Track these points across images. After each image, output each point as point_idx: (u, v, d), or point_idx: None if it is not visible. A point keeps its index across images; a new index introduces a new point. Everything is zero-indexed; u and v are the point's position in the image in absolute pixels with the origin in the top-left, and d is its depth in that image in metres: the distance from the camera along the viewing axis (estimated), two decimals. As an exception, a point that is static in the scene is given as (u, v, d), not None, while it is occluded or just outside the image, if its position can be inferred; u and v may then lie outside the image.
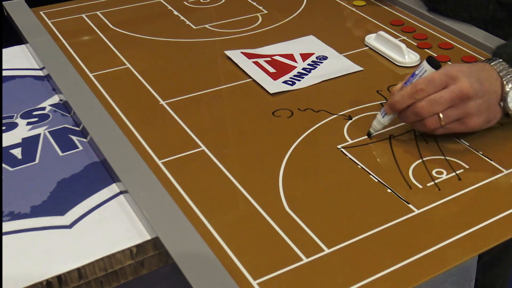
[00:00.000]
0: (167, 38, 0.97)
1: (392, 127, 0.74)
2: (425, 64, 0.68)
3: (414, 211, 0.62)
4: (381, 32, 0.93)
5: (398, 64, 0.88)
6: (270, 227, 0.60)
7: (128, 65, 0.89)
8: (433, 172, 0.67)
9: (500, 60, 0.70)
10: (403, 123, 0.74)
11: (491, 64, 0.70)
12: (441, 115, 0.66)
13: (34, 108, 0.80)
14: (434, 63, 0.67)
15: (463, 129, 0.68)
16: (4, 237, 0.60)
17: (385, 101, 0.80)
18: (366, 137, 0.73)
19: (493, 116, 0.69)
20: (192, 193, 0.64)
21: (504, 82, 0.68)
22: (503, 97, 0.68)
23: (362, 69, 0.87)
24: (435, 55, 0.90)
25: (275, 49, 0.93)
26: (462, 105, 0.66)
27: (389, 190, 0.65)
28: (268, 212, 0.62)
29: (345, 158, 0.70)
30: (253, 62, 0.89)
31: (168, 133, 0.74)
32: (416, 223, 0.60)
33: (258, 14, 1.05)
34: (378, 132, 0.72)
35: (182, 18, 1.04)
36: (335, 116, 0.77)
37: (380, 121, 0.71)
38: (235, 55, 0.91)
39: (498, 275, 1.10)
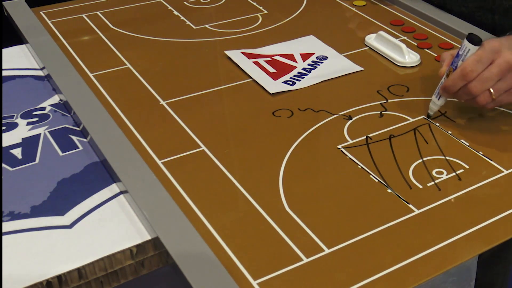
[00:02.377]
0: (167, 38, 0.97)
1: (392, 127, 0.74)
2: (466, 43, 0.69)
3: (414, 211, 0.62)
4: (381, 32, 0.93)
5: (398, 64, 0.88)
6: (270, 227, 0.60)
7: (128, 65, 0.89)
8: (433, 172, 0.67)
9: None
10: (403, 124, 0.75)
11: None
12: (491, 90, 0.69)
13: (34, 108, 0.80)
14: (475, 40, 0.69)
15: (511, 99, 0.71)
16: (4, 237, 0.60)
17: (385, 101, 0.80)
18: (365, 137, 0.73)
19: None
20: (192, 193, 0.64)
21: None
22: None
23: (362, 69, 0.87)
24: (435, 55, 0.90)
25: (275, 49, 0.93)
26: (510, 76, 0.69)
27: (389, 190, 0.65)
28: (268, 212, 0.62)
29: (345, 158, 0.70)
30: (253, 62, 0.89)
31: (168, 133, 0.74)
32: (416, 223, 0.60)
33: (258, 14, 1.05)
34: (435, 112, 0.76)
35: (182, 18, 1.04)
36: (335, 116, 0.77)
37: (436, 103, 0.75)
38: (235, 55, 0.91)
39: (497, 274, 1.10)
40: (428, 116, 0.76)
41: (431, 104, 0.76)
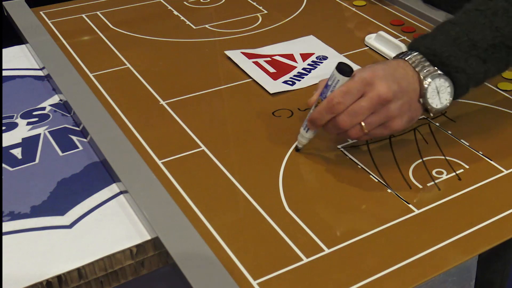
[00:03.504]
0: (167, 38, 0.97)
1: (392, 127, 0.74)
2: (335, 73, 0.64)
3: (414, 211, 0.62)
4: (381, 32, 0.93)
5: (398, 64, 0.88)
6: (270, 227, 0.60)
7: (128, 65, 0.89)
8: (433, 172, 0.67)
9: (415, 53, 0.66)
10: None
11: (406, 59, 0.66)
12: (363, 124, 0.64)
13: (34, 108, 0.80)
14: (345, 70, 0.63)
15: (387, 132, 0.66)
16: (4, 237, 0.60)
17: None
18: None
19: (415, 114, 0.66)
20: (192, 193, 0.64)
21: (422, 77, 0.65)
22: (422, 93, 0.65)
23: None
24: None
25: (275, 49, 0.93)
26: (383, 110, 0.63)
27: (389, 190, 0.65)
28: (268, 212, 0.62)
29: (345, 158, 0.70)
30: (253, 62, 0.89)
31: (168, 133, 0.74)
32: (416, 223, 0.60)
33: (258, 14, 1.05)
34: (305, 145, 0.70)
35: (182, 18, 1.04)
36: (335, 116, 0.77)
37: (305, 136, 0.69)
38: (235, 55, 0.91)
39: (496, 272, 1.10)
40: (297, 149, 0.70)
41: (299, 137, 0.69)
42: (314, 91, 0.68)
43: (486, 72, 0.67)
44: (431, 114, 0.67)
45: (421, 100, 0.66)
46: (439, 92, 0.66)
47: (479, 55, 0.66)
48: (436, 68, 0.65)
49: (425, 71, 0.65)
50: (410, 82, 0.65)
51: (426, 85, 0.65)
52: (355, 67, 0.87)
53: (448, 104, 0.67)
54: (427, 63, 0.66)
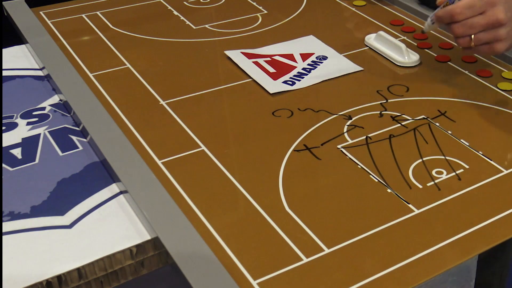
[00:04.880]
0: (167, 38, 0.97)
1: (392, 127, 0.74)
2: None
3: (414, 211, 0.62)
4: (381, 32, 0.93)
5: (398, 64, 0.88)
6: (270, 227, 0.60)
7: (128, 65, 0.89)
8: (433, 172, 0.67)
9: None
10: (405, 122, 0.75)
11: None
12: (472, 37, 0.72)
13: (34, 108, 0.80)
14: None
15: (489, 52, 0.74)
16: (4, 237, 0.60)
17: (385, 101, 0.80)
18: (365, 137, 0.73)
19: None
20: (192, 193, 0.64)
21: None
22: None
23: (362, 69, 0.87)
24: (435, 55, 0.90)
25: (275, 49, 0.93)
26: (493, 31, 0.71)
27: (389, 190, 0.65)
28: (268, 212, 0.62)
29: (345, 158, 0.70)
30: (253, 62, 0.89)
31: (168, 133, 0.74)
32: (416, 223, 0.60)
33: (258, 14, 1.05)
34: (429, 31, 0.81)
35: (182, 18, 1.04)
36: (335, 116, 0.77)
37: (431, 26, 0.80)
38: (235, 55, 0.91)
39: (495, 273, 1.10)
40: (423, 32, 0.82)
41: (426, 25, 0.81)
42: None
43: None
44: None
45: None
46: None
47: None
48: None
49: None
50: None
51: None
52: (355, 66, 0.88)
53: None
54: None
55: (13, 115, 0.79)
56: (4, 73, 0.89)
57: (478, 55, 0.76)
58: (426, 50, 0.92)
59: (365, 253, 0.57)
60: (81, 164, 0.70)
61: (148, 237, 0.59)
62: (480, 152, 0.70)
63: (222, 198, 0.64)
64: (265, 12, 1.06)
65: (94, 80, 0.85)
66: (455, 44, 0.78)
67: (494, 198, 0.64)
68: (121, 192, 0.65)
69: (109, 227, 0.61)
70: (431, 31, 0.96)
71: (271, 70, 0.87)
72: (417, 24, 1.00)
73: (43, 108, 0.80)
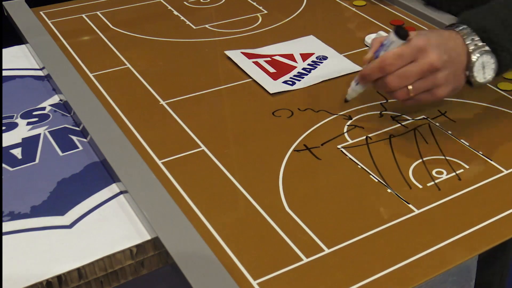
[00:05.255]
0: (167, 38, 0.97)
1: (392, 127, 0.74)
2: (392, 36, 0.67)
3: (414, 211, 0.62)
4: (381, 32, 0.93)
5: (398, 64, 0.88)
6: (270, 227, 0.60)
7: (128, 65, 0.89)
8: (433, 172, 0.67)
9: (466, 27, 0.70)
10: (405, 122, 0.75)
11: (457, 30, 0.70)
12: (410, 87, 0.67)
13: (34, 108, 0.80)
14: (402, 34, 0.66)
15: (431, 99, 0.69)
16: (4, 237, 0.60)
17: (385, 101, 0.80)
18: (365, 137, 0.73)
19: (459, 84, 0.70)
20: (192, 193, 0.64)
21: (470, 50, 0.69)
22: (469, 66, 0.69)
23: (362, 69, 0.87)
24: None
25: (275, 49, 0.93)
26: (431, 77, 0.67)
27: (389, 190, 0.65)
28: (268, 212, 0.62)
29: (345, 158, 0.70)
30: (253, 62, 0.89)
31: (168, 133, 0.74)
32: (416, 223, 0.60)
33: (258, 14, 1.05)
34: (353, 98, 0.75)
35: (182, 18, 1.04)
36: (335, 116, 0.77)
37: (355, 89, 0.74)
38: (235, 55, 0.91)
39: (495, 273, 1.10)
40: (346, 101, 0.76)
41: (350, 90, 0.75)
42: (369, 50, 0.72)
43: None
44: (471, 86, 0.71)
45: (467, 72, 0.70)
46: (484, 67, 0.70)
47: None
48: (484, 43, 0.69)
49: (474, 45, 0.69)
50: (459, 54, 0.69)
51: (474, 59, 0.69)
52: (355, 66, 0.88)
53: (490, 80, 0.71)
54: (477, 38, 0.69)
55: (13, 115, 0.79)
56: (4, 73, 0.89)
57: (419, 104, 0.71)
58: (426, 50, 0.92)
59: (365, 253, 0.57)
60: (81, 164, 0.70)
61: (148, 237, 0.59)
62: (480, 152, 0.70)
63: (222, 198, 0.64)
64: (265, 12, 1.06)
65: (94, 80, 0.85)
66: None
67: (494, 198, 0.64)
68: (121, 192, 0.65)
69: (109, 227, 0.61)
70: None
71: (271, 70, 0.87)
72: (417, 24, 0.99)
73: (43, 108, 0.80)
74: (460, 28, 0.70)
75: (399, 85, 0.67)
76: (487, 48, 0.69)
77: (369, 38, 0.94)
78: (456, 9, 0.97)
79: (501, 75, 0.73)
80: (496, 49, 0.70)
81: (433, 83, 0.68)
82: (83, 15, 1.04)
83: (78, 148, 0.72)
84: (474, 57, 0.69)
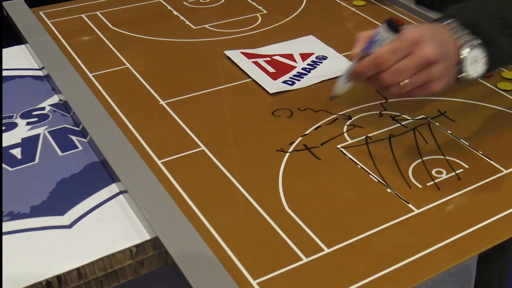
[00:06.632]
0: (167, 38, 0.97)
1: (392, 127, 0.74)
2: (384, 30, 0.64)
3: (414, 211, 0.62)
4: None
5: (398, 64, 0.88)
6: (270, 227, 0.60)
7: (128, 65, 0.89)
8: (433, 172, 0.67)
9: (453, 19, 0.67)
10: (405, 122, 0.75)
11: (444, 24, 0.67)
12: (405, 82, 0.64)
13: (34, 108, 0.80)
14: (394, 28, 0.64)
15: (425, 93, 0.66)
16: (4, 237, 0.60)
17: (385, 101, 0.80)
18: (365, 137, 0.73)
19: (452, 79, 0.67)
20: (192, 193, 0.64)
21: (459, 45, 0.66)
22: (459, 60, 0.66)
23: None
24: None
25: (275, 49, 0.93)
26: (426, 71, 0.64)
27: (389, 190, 0.65)
28: (268, 212, 0.62)
29: (345, 158, 0.70)
30: (253, 62, 0.89)
31: (168, 133, 0.74)
32: (415, 223, 0.60)
33: (258, 14, 1.05)
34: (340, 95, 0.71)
35: (182, 18, 1.04)
36: (335, 116, 0.77)
37: (345, 85, 0.69)
38: (235, 55, 0.91)
39: (494, 273, 1.10)
40: (332, 98, 0.71)
41: (338, 87, 0.70)
42: (355, 43, 0.68)
43: None
44: (460, 82, 0.67)
45: (458, 67, 0.66)
46: (475, 62, 0.66)
47: (511, 35, 0.67)
48: (473, 37, 0.66)
49: (462, 39, 0.66)
50: (450, 48, 0.65)
51: (465, 54, 0.65)
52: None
53: (480, 75, 0.67)
54: (465, 32, 0.66)
55: (13, 115, 0.79)
56: (4, 73, 0.89)
57: (413, 97, 0.68)
58: (426, 50, 0.92)
59: (365, 253, 0.57)
60: (81, 164, 0.70)
61: (148, 237, 0.59)
62: (480, 152, 0.70)
63: (222, 198, 0.64)
64: (265, 12, 1.06)
65: (94, 80, 0.85)
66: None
67: (494, 198, 0.64)
68: (121, 192, 0.65)
69: (109, 227, 0.61)
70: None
71: (271, 70, 0.87)
72: (417, 24, 1.00)
73: (43, 108, 0.80)
74: (447, 22, 0.67)
75: (395, 81, 0.64)
76: (476, 42, 0.66)
77: (368, 38, 0.94)
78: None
79: (492, 71, 0.69)
80: (484, 43, 0.66)
81: (429, 77, 0.65)
82: (83, 15, 1.04)
83: (77, 148, 0.72)
84: (464, 51, 0.65)
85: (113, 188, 0.66)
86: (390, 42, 0.64)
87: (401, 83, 0.64)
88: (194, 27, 1.00)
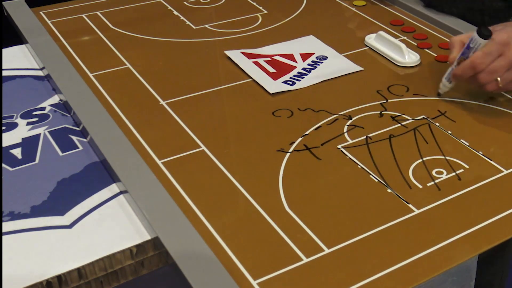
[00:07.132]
0: (167, 38, 0.97)
1: (392, 127, 0.74)
2: (477, 37, 0.73)
3: (414, 211, 0.62)
4: (381, 32, 0.93)
5: (398, 64, 0.88)
6: (270, 227, 0.60)
7: (128, 65, 0.89)
8: (433, 172, 0.67)
9: None
10: (405, 122, 0.75)
11: None
12: (499, 79, 0.74)
13: (34, 108, 0.80)
14: (485, 34, 0.73)
15: None
16: (4, 237, 0.60)
17: (385, 101, 0.80)
18: (365, 137, 0.73)
19: None
20: (192, 193, 0.64)
21: None
22: None
23: (362, 69, 0.87)
24: (435, 55, 0.90)
25: (275, 49, 0.93)
26: None
27: (389, 190, 0.65)
28: (268, 212, 0.62)
29: (345, 158, 0.70)
30: (253, 62, 0.89)
31: (168, 133, 0.74)
32: (416, 223, 0.60)
33: (258, 14, 1.05)
34: (446, 92, 0.80)
35: (182, 18, 1.04)
36: (335, 116, 0.77)
37: (447, 86, 0.79)
38: (235, 55, 0.91)
39: (495, 273, 1.10)
40: (438, 94, 0.81)
41: (442, 86, 0.80)
42: (450, 48, 0.79)
43: None
44: None
45: None
46: None
47: None
48: None
49: None
50: None
51: None
52: (355, 66, 0.88)
53: None
54: None
55: (13, 115, 0.79)
56: (4, 73, 0.89)
57: (506, 92, 0.79)
58: (426, 50, 0.92)
59: (365, 253, 0.57)
60: (81, 164, 0.70)
61: (148, 237, 0.59)
62: (480, 152, 0.70)
63: (222, 198, 0.64)
64: (265, 12, 1.06)
65: (94, 80, 0.85)
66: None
67: (494, 198, 0.64)
68: (121, 192, 0.65)
69: (109, 227, 0.61)
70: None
71: (271, 70, 0.87)
72: (417, 24, 1.00)
73: (43, 108, 0.80)
74: None
75: (490, 80, 0.74)
76: None
77: (369, 38, 0.94)
78: (457, 11, 0.98)
79: None
80: None
81: None
82: (83, 15, 1.04)
83: (78, 148, 0.72)
84: None
85: (113, 188, 0.66)
86: (483, 47, 0.73)
87: (496, 80, 0.74)
88: (194, 27, 1.00)
